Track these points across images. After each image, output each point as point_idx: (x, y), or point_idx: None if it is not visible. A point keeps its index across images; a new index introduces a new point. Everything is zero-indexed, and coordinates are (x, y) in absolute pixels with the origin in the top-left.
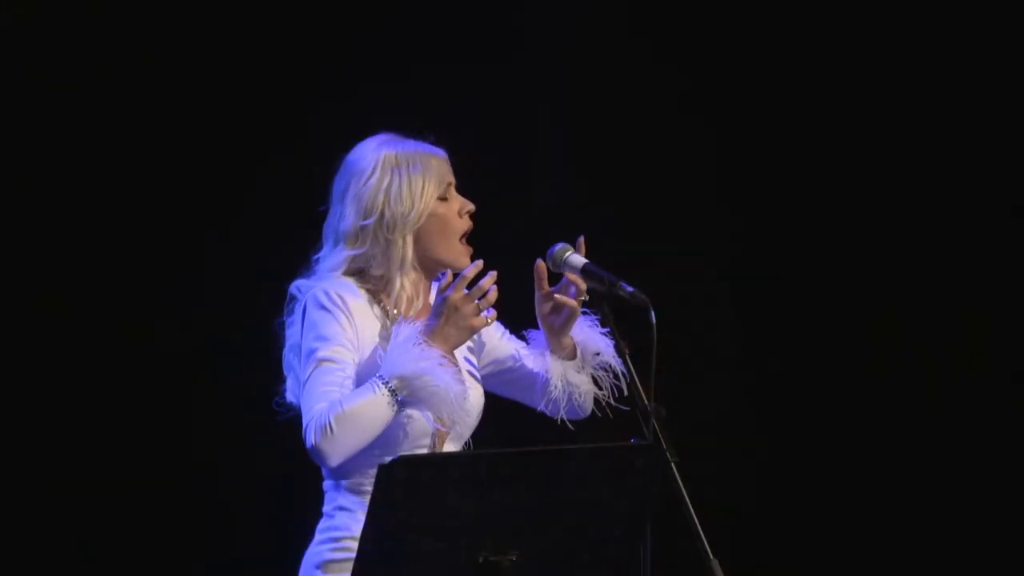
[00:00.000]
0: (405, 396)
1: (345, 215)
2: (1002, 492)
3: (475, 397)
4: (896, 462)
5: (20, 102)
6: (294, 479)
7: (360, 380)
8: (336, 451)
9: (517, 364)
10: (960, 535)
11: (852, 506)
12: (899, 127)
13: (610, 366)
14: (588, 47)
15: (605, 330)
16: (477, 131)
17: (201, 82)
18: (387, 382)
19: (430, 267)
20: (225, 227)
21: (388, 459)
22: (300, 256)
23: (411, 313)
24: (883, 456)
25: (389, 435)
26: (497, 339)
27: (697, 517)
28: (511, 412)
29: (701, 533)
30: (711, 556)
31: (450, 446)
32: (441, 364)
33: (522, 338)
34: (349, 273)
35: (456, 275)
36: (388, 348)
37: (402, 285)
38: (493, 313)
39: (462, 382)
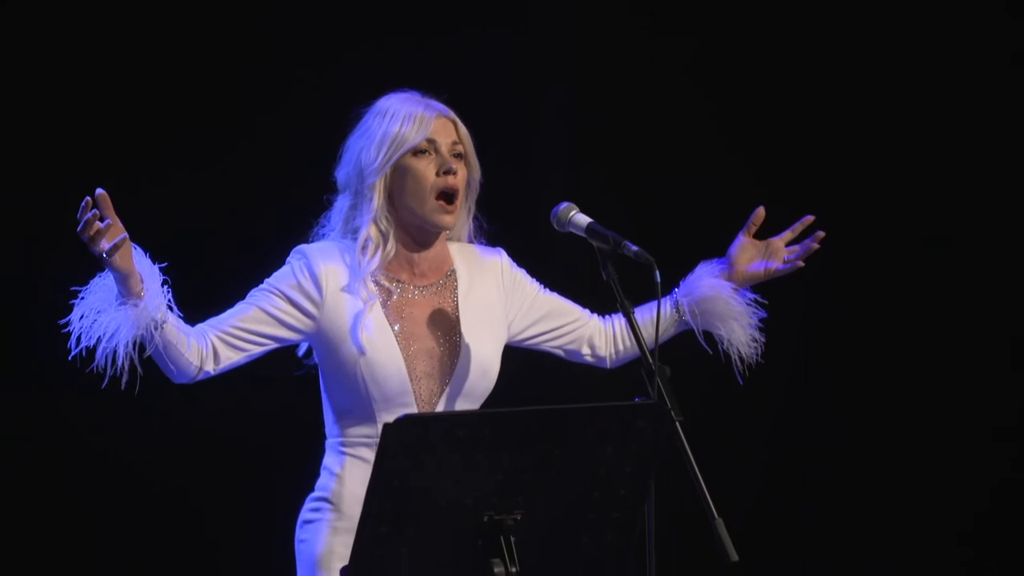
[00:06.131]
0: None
1: (341, 164)
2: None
3: (484, 359)
4: (905, 454)
5: None
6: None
7: (331, 334)
8: None
9: (567, 315)
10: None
11: (858, 482)
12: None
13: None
14: (598, 32)
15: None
16: (481, 116)
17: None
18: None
19: (416, 224)
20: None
21: (387, 420)
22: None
23: (376, 261)
24: (895, 446)
25: (357, 393)
26: (532, 298)
27: (701, 476)
28: (520, 373)
29: (706, 492)
30: (715, 515)
31: (462, 405)
32: (100, 311)
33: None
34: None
35: None
36: None
37: (369, 234)
38: (117, 241)
39: (126, 316)
